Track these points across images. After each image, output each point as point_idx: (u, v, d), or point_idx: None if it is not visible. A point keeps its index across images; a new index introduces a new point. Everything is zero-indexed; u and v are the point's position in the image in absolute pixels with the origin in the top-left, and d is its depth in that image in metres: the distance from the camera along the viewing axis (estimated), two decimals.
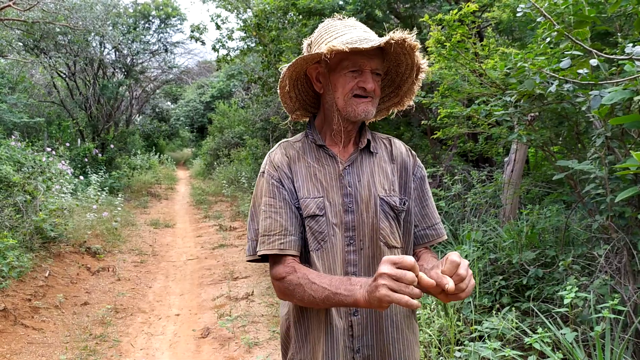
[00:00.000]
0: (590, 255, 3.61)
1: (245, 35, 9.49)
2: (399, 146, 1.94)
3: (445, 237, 1.95)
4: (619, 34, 3.51)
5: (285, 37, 8.34)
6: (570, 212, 3.87)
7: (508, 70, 3.74)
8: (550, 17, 2.53)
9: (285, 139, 1.95)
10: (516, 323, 3.37)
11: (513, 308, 3.63)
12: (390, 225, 1.79)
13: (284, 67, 1.80)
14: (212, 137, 22.39)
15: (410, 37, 1.66)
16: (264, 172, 1.85)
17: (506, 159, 5.74)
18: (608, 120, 2.95)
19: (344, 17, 1.85)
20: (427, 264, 1.74)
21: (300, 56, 1.74)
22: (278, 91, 1.91)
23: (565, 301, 2.45)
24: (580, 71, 2.71)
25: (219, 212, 12.78)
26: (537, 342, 2.41)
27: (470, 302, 4.05)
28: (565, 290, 2.75)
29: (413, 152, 1.97)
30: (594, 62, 2.36)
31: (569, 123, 3.93)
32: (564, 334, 2.52)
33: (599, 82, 2.53)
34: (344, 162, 1.81)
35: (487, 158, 7.19)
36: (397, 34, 1.64)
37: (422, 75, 1.81)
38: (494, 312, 3.65)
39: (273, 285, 1.78)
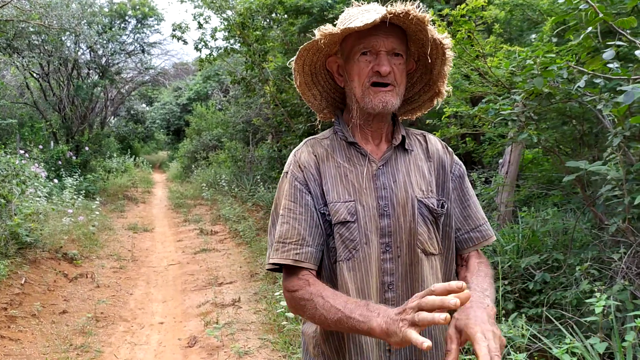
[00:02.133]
0: (599, 258, 3.51)
1: (228, 34, 9.27)
2: (435, 142, 1.75)
3: (494, 237, 1.76)
4: (627, 31, 3.41)
5: (271, 36, 8.15)
6: (579, 215, 3.76)
7: (513, 69, 3.62)
8: (593, 4, 2.38)
9: (311, 137, 1.75)
10: (527, 330, 3.23)
11: (522, 315, 3.50)
12: (428, 230, 1.60)
13: (292, 63, 1.63)
14: (189, 139, 22.08)
15: (414, 9, 1.45)
16: (287, 173, 1.67)
17: (500, 161, 5.64)
18: (626, 119, 2.84)
19: (363, 3, 1.67)
20: (473, 279, 1.57)
21: (301, 46, 1.57)
22: (297, 89, 1.74)
23: (597, 310, 2.32)
24: (610, 65, 2.58)
25: (199, 216, 12.50)
26: (565, 353, 2.27)
27: None
28: (593, 297, 2.62)
29: (450, 148, 1.78)
30: (639, 53, 2.24)
31: (573, 124, 3.82)
32: (593, 344, 2.39)
33: (634, 77, 2.41)
34: (377, 161, 1.63)
35: (478, 160, 7.11)
36: (398, 7, 1.45)
37: (449, 53, 1.60)
38: (502, 318, 3.51)
39: (284, 296, 1.61)
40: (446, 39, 1.57)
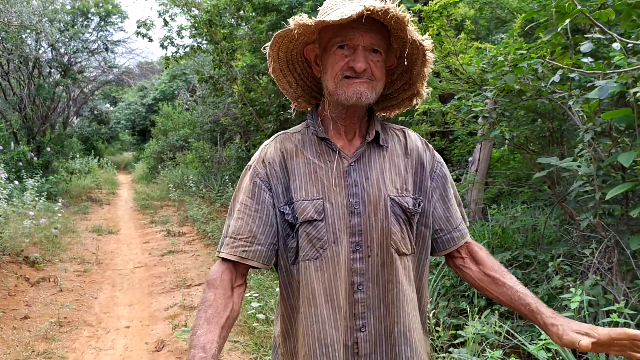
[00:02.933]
0: (570, 254, 3.53)
1: (195, 32, 9.10)
2: (415, 139, 1.68)
3: (469, 237, 1.71)
4: (596, 29, 3.44)
5: (239, 34, 8.03)
6: (548, 212, 3.78)
7: (484, 66, 3.61)
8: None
9: (283, 131, 1.69)
10: (500, 326, 3.23)
11: (495, 311, 3.49)
12: (401, 230, 1.54)
13: (266, 48, 1.56)
14: (155, 140, 21.72)
15: (394, 7, 1.39)
16: (250, 167, 1.62)
17: (470, 159, 5.66)
18: (597, 115, 2.85)
19: None
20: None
21: (276, 33, 1.51)
22: (272, 75, 1.67)
23: (572, 306, 2.31)
24: (584, 60, 2.59)
25: (166, 217, 12.27)
26: (542, 349, 2.25)
27: (445, 305, 3.90)
28: (567, 293, 2.62)
29: (430, 145, 1.71)
30: (616, 45, 2.23)
31: (543, 121, 3.84)
32: None
33: (608, 72, 2.41)
34: (349, 158, 1.56)
35: (447, 159, 7.13)
36: (378, 4, 1.39)
37: (429, 55, 1.53)
38: (475, 315, 3.49)
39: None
40: (427, 41, 1.50)
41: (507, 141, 3.58)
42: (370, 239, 1.52)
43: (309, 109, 1.72)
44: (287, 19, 1.51)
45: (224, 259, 1.55)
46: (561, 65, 2.51)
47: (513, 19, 4.91)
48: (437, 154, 1.70)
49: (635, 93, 2.46)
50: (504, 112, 3.38)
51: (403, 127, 1.73)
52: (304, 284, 1.52)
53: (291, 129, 1.68)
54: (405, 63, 1.56)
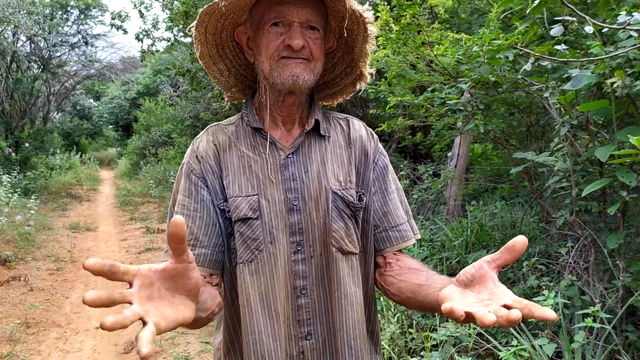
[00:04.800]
0: (547, 253, 3.41)
1: (172, 24, 8.88)
2: (359, 128, 1.53)
3: (414, 239, 1.52)
4: (575, 19, 3.31)
5: None
6: (526, 209, 3.66)
7: (460, 57, 3.48)
8: None
9: (215, 122, 1.53)
10: (474, 329, 3.10)
11: None
12: (346, 227, 1.40)
13: (192, 29, 1.40)
14: (138, 135, 21.45)
15: None
16: (184, 164, 1.46)
17: (449, 154, 5.53)
18: (574, 108, 2.73)
19: None
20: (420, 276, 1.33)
21: (201, 9, 1.34)
22: (200, 61, 1.51)
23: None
24: (558, 47, 2.45)
25: (146, 214, 12.07)
26: (512, 356, 2.13)
27: None
28: (541, 295, 2.49)
29: (375, 135, 1.57)
30: (589, 29, 2.10)
31: (520, 114, 3.72)
32: (541, 345, 2.25)
33: (583, 60, 2.27)
34: (286, 149, 1.42)
35: (427, 154, 7.01)
36: None
37: (371, 29, 1.38)
38: None
39: None
40: (367, 12, 1.36)
41: (483, 135, 3.45)
42: (312, 237, 1.38)
43: (244, 100, 1.56)
44: None
45: None
46: (532, 52, 2.37)
47: (491, 10, 4.78)
48: (380, 145, 1.56)
49: (612, 84, 2.33)
50: (479, 105, 3.24)
51: (347, 115, 1.58)
52: (239, 289, 1.37)
53: (225, 120, 1.53)
54: (346, 35, 1.40)
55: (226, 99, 1.62)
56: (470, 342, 3.09)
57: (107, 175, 22.72)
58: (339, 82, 1.57)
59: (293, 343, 1.38)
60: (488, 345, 2.85)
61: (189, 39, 8.74)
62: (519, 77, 3.30)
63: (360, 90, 1.57)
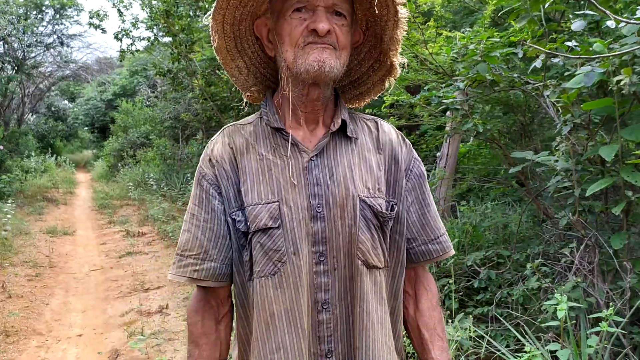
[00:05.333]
0: (544, 254, 3.37)
1: (152, 23, 8.70)
2: (389, 131, 1.42)
3: (453, 252, 1.47)
4: (570, 16, 3.28)
5: (197, 26, 7.69)
6: (524, 209, 3.61)
7: (455, 55, 3.42)
8: None
9: (232, 123, 1.42)
10: (474, 331, 3.04)
11: (470, 315, 3.30)
12: (372, 238, 1.29)
13: (208, 19, 1.30)
14: (115, 137, 21.16)
15: None
16: (198, 169, 1.37)
17: (438, 154, 5.48)
18: (575, 106, 2.68)
19: None
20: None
21: None
22: (218, 59, 1.39)
23: (560, 315, 2.11)
24: (568, 43, 2.40)
25: (125, 217, 11.84)
26: None
27: None
28: (552, 298, 2.44)
29: (407, 140, 1.46)
30: (611, 23, 2.05)
31: (514, 113, 3.67)
32: (554, 351, 2.19)
33: (595, 57, 2.22)
34: (309, 151, 1.30)
35: None
36: None
37: (402, 12, 1.28)
38: (447, 319, 3.30)
39: None
40: None
41: (478, 135, 3.40)
42: (336, 248, 1.27)
43: (261, 101, 1.45)
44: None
45: (199, 286, 1.36)
46: (543, 49, 2.32)
47: (481, 9, 4.74)
48: (414, 151, 1.45)
49: (618, 81, 2.29)
50: (476, 104, 3.19)
51: (376, 117, 1.47)
52: (261, 305, 1.27)
53: (242, 120, 1.42)
54: (375, 14, 1.29)
55: (244, 99, 1.51)
56: (470, 346, 3.03)
57: (83, 177, 22.32)
58: (367, 80, 1.45)
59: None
60: (492, 349, 2.79)
61: (168, 39, 8.59)
62: (515, 75, 3.26)
63: (389, 88, 1.47)
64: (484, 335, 3.04)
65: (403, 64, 1.40)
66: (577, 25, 2.23)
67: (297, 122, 1.34)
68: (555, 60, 2.47)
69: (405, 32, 1.33)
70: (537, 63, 2.50)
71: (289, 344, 1.24)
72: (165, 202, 11.83)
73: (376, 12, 1.28)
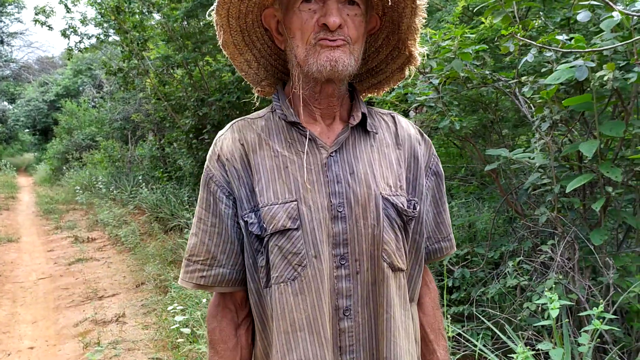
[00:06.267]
0: (517, 252, 3.36)
1: (102, 19, 8.36)
2: (407, 126, 1.34)
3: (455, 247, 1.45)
4: (541, 13, 3.29)
5: (150, 23, 7.42)
6: (498, 207, 3.60)
7: (427, 52, 3.38)
8: None
9: (242, 117, 1.31)
10: (453, 331, 3.00)
11: (447, 315, 3.26)
12: (396, 238, 1.21)
13: (212, 14, 1.19)
14: (59, 139, 20.41)
15: None
16: (205, 169, 1.26)
17: None
18: (554, 103, 2.67)
19: None
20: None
21: None
22: (226, 54, 1.28)
23: (553, 314, 2.07)
24: (559, 37, 2.37)
25: (73, 222, 11.37)
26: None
27: None
28: (541, 297, 2.41)
29: (425, 136, 1.38)
30: (616, 14, 2.02)
31: (484, 111, 3.67)
32: (545, 351, 2.16)
33: (588, 50, 2.20)
34: (328, 147, 1.21)
35: None
36: None
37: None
38: None
39: None
40: None
41: (453, 133, 3.37)
42: (358, 250, 1.18)
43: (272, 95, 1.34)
44: (205, 6, 1.14)
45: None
46: (535, 43, 2.28)
47: (446, 6, 4.73)
48: (433, 148, 1.38)
49: (601, 77, 2.28)
50: (452, 101, 3.15)
51: (392, 111, 1.39)
52: (280, 314, 1.16)
53: (252, 114, 1.31)
54: (390, 3, 1.20)
55: (255, 94, 1.39)
56: (449, 346, 2.98)
57: (25, 182, 21.43)
58: (385, 68, 1.36)
59: None
60: (474, 348, 2.75)
61: (120, 36, 8.27)
62: (487, 72, 3.24)
63: (410, 76, 1.38)
64: (462, 333, 3.00)
65: (423, 54, 1.32)
66: (582, 16, 2.21)
67: (311, 117, 1.25)
68: (548, 54, 2.44)
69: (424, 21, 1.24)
70: (529, 57, 2.47)
71: (311, 356, 1.14)
72: (115, 206, 11.46)
73: None
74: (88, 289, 6.69)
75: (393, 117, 1.35)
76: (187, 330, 4.29)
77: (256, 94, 1.39)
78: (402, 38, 1.28)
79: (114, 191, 12.38)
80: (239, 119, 1.30)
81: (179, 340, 4.42)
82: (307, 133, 1.20)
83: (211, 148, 1.28)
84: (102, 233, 10.10)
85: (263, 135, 1.23)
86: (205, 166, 1.26)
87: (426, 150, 1.34)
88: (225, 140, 1.25)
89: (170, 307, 4.80)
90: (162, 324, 5.11)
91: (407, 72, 1.34)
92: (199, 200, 1.26)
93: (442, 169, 1.38)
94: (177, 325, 4.37)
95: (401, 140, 1.30)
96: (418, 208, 1.27)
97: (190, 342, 4.34)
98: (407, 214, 1.22)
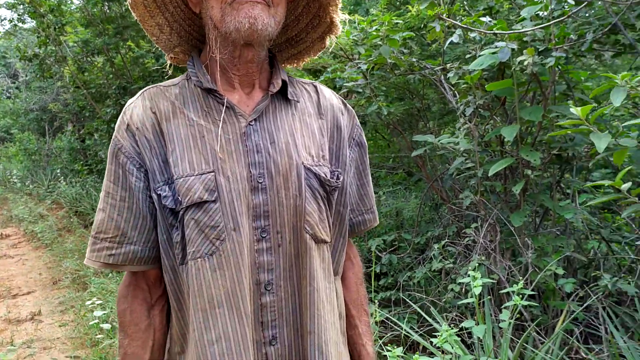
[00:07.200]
0: (441, 236, 3.43)
1: (15, 1, 7.84)
2: (330, 96, 1.30)
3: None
4: (465, 2, 3.36)
5: (70, 8, 7.06)
6: (424, 193, 3.66)
7: (355, 38, 3.38)
8: None
9: (153, 85, 1.22)
10: (381, 315, 3.01)
11: (375, 301, 3.27)
12: (319, 209, 1.17)
13: None
14: None
15: None
16: (112, 139, 1.17)
17: None
18: (477, 88, 2.73)
19: None
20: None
21: None
22: (135, 17, 1.20)
23: (476, 291, 2.10)
24: (483, 19, 2.41)
25: None
26: (446, 342, 2.04)
27: None
28: (465, 277, 2.45)
29: (349, 106, 1.34)
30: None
31: (411, 98, 3.71)
32: (468, 328, 2.20)
33: (510, 32, 2.24)
34: (247, 115, 1.15)
35: None
36: None
37: None
38: None
39: None
40: None
41: (381, 118, 3.39)
42: (280, 222, 1.13)
43: (186, 62, 1.26)
44: None
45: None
46: (460, 24, 2.31)
47: None
48: (356, 118, 1.34)
49: (521, 62, 2.34)
50: (379, 87, 3.17)
51: (314, 81, 1.34)
52: (197, 290, 1.09)
53: (165, 81, 1.22)
54: None
55: (168, 61, 1.32)
56: (376, 331, 3.00)
57: None
58: (305, 37, 1.31)
59: (256, 350, 1.12)
60: (402, 331, 2.77)
61: (35, 21, 7.81)
62: (414, 60, 3.28)
63: (330, 46, 1.33)
64: (389, 318, 3.02)
65: (345, 21, 1.28)
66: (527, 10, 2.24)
67: (229, 85, 1.18)
68: (473, 35, 2.48)
69: None
70: (454, 38, 2.50)
71: (231, 332, 1.08)
72: (31, 201, 10.89)
73: None
74: (1, 287, 6.31)
75: (315, 87, 1.30)
76: (107, 326, 4.11)
77: (169, 62, 1.32)
78: (323, 4, 1.23)
79: (30, 186, 11.79)
80: (151, 86, 1.22)
81: (99, 336, 4.22)
82: (225, 100, 1.14)
83: (120, 117, 1.18)
84: (17, 229, 9.56)
85: (177, 104, 1.15)
86: (113, 136, 1.17)
87: (349, 121, 1.30)
88: (136, 108, 1.16)
89: (88, 302, 4.59)
90: (80, 321, 4.88)
91: (327, 42, 1.31)
92: (106, 173, 1.17)
93: (365, 140, 1.35)
94: (97, 320, 4.17)
95: (324, 110, 1.25)
96: (341, 179, 1.23)
97: (111, 337, 4.16)
98: (330, 184, 1.18)
